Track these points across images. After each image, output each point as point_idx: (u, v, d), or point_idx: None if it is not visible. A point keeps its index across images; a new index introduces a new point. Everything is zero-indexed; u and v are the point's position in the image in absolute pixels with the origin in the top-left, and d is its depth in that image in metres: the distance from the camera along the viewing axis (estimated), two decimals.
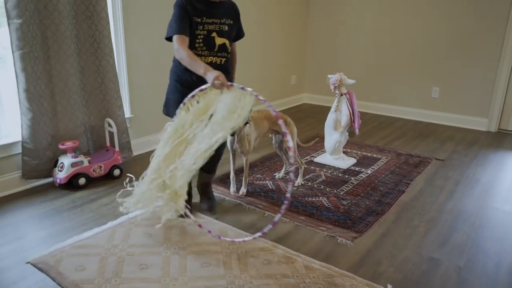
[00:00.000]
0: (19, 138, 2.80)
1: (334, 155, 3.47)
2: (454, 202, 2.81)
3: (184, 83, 2.36)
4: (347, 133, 3.46)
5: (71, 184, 2.88)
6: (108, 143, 3.20)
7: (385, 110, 5.27)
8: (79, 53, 2.96)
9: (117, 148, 3.12)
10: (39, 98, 2.75)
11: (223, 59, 2.35)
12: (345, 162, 3.44)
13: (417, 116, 5.05)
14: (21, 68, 2.62)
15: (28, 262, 2.05)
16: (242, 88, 1.97)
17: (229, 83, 1.99)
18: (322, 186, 3.00)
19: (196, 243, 2.23)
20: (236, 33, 2.43)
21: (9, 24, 2.54)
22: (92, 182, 3.01)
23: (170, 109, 2.41)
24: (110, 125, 3.15)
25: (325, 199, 2.80)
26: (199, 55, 2.26)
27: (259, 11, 4.71)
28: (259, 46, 4.83)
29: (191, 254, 2.13)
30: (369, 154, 3.73)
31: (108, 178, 3.09)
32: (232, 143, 2.70)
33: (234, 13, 2.38)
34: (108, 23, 3.00)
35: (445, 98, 4.82)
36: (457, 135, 4.43)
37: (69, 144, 2.86)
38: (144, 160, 3.51)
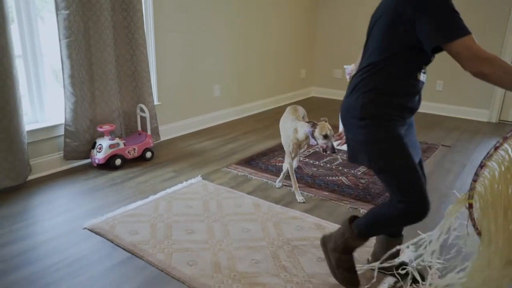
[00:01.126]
0: (61, 121, 3.01)
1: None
2: (461, 182, 3.06)
3: (404, 120, 1.61)
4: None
5: (108, 165, 3.10)
6: (139, 128, 3.42)
7: None
8: (115, 43, 3.18)
9: (149, 132, 3.35)
10: (81, 84, 2.97)
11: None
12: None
13: (423, 108, 5.29)
14: (67, 55, 2.84)
15: (85, 228, 2.28)
16: None
17: None
18: (340, 168, 3.24)
19: (234, 213, 2.47)
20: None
21: (57, 15, 2.76)
22: (127, 163, 3.24)
23: (409, 160, 1.55)
24: (142, 111, 3.38)
25: (344, 178, 3.04)
26: (423, 72, 1.58)
27: (271, 6, 4.94)
28: (271, 41, 5.06)
29: (231, 222, 2.36)
30: None
31: (141, 159, 3.31)
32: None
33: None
34: (142, 15, 3.22)
35: (449, 91, 5.08)
36: (461, 125, 4.69)
37: (106, 127, 3.08)
38: (170, 144, 3.74)
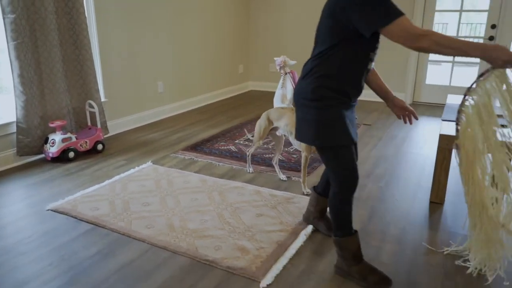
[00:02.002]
0: (13, 119, 3.19)
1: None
2: (377, 150, 3.63)
3: (348, 103, 1.79)
4: (292, 106, 4.19)
5: (61, 158, 3.31)
6: (89, 123, 3.65)
7: None
8: (61, 43, 3.40)
9: (99, 126, 3.59)
10: (30, 83, 3.16)
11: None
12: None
13: None
14: (15, 56, 3.03)
15: (48, 210, 2.52)
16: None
17: None
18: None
19: (183, 187, 2.82)
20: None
21: (4, 19, 2.94)
22: (80, 155, 3.46)
23: (346, 137, 1.76)
24: (91, 106, 3.61)
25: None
26: (371, 60, 1.75)
27: (208, 5, 5.31)
28: (210, 39, 5.43)
29: (181, 195, 2.71)
30: None
31: (93, 152, 3.55)
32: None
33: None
34: (85, 17, 3.46)
35: None
36: (380, 107, 5.34)
37: (58, 122, 3.29)
38: (119, 138, 4.00)
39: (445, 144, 2.49)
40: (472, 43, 1.48)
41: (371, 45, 1.70)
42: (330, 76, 1.70)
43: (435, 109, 5.25)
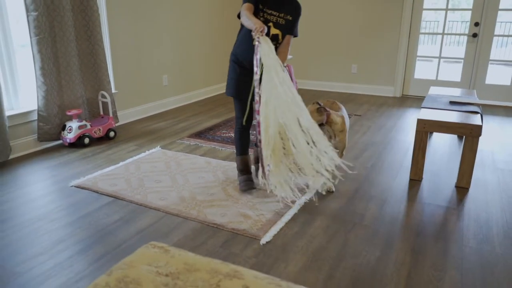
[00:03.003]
0: (35, 107, 3.50)
1: None
2: (366, 137, 3.97)
3: (241, 64, 2.64)
4: None
5: (77, 144, 3.63)
6: (101, 112, 3.97)
7: (315, 85, 6.44)
8: (77, 39, 3.71)
9: (111, 115, 3.91)
10: (50, 75, 3.48)
11: (273, 47, 2.47)
12: None
13: (341, 88, 6.27)
14: (37, 50, 3.34)
15: (72, 186, 2.85)
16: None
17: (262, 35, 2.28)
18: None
19: (190, 168, 3.15)
20: (291, 29, 2.63)
21: (27, 16, 3.25)
22: (94, 142, 3.78)
23: (229, 90, 2.72)
24: (103, 97, 3.93)
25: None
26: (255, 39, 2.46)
27: (208, 1, 5.62)
28: (210, 35, 5.75)
29: (189, 174, 3.04)
30: None
31: (105, 139, 3.87)
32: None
33: (294, 12, 2.62)
34: (99, 15, 3.77)
35: (362, 72, 6.08)
36: (371, 100, 5.68)
37: (74, 111, 3.61)
38: (129, 126, 4.32)
39: (422, 127, 2.83)
40: (248, 21, 2.36)
41: (246, 30, 2.59)
42: (234, 45, 2.72)
43: (422, 101, 5.59)
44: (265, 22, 2.55)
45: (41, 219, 2.40)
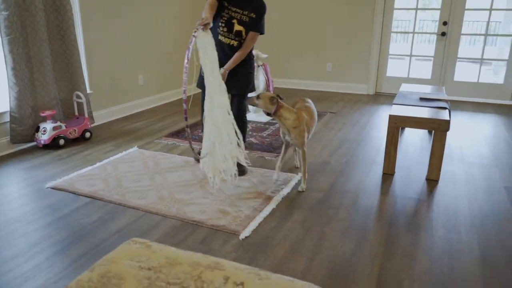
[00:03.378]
0: (7, 109, 3.43)
1: (256, 113, 4.57)
2: (341, 134, 4.07)
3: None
4: None
5: (52, 146, 3.58)
6: (76, 113, 3.92)
7: (291, 84, 6.53)
8: (49, 39, 3.66)
9: (86, 116, 3.87)
10: (23, 75, 3.42)
11: (237, 42, 2.84)
12: (265, 117, 4.56)
13: (316, 86, 6.38)
14: (9, 50, 3.28)
15: (48, 187, 2.82)
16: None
17: (202, 27, 2.43)
18: (250, 132, 4.07)
19: (168, 167, 3.16)
20: (257, 26, 2.82)
21: None
22: (69, 143, 3.74)
23: (197, 82, 3.18)
24: (78, 97, 3.89)
25: (253, 139, 3.87)
26: (220, 34, 2.81)
27: (184, 1, 5.62)
28: (186, 35, 5.74)
29: (167, 173, 3.05)
30: None
31: (81, 139, 3.83)
32: (284, 134, 2.79)
33: (258, 11, 2.78)
34: (72, 14, 3.72)
35: (336, 71, 6.20)
36: (346, 97, 5.81)
37: (48, 112, 3.56)
38: (105, 127, 4.28)
39: (394, 123, 2.94)
40: (203, 14, 2.53)
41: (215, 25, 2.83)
42: None
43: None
44: (230, 18, 2.75)
45: (18, 221, 2.37)
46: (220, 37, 2.83)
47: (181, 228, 2.30)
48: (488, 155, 3.48)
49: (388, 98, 5.80)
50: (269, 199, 2.63)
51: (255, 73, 4.43)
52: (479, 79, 5.57)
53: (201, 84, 2.98)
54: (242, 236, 2.20)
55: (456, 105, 5.30)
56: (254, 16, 2.77)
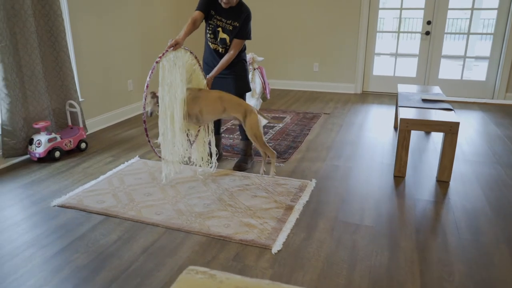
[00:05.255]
0: None
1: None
2: (340, 136, 4.08)
3: (210, 64, 3.15)
4: (261, 99, 4.53)
5: (47, 158, 3.39)
6: (69, 123, 3.74)
7: (280, 85, 6.51)
8: (40, 46, 3.45)
9: (81, 125, 3.69)
10: (14, 85, 3.21)
11: (223, 49, 3.05)
12: (262, 120, 4.51)
13: (304, 87, 6.39)
14: (0, 60, 3.06)
15: (55, 205, 2.66)
16: (185, 49, 2.79)
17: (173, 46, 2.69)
18: None
19: (177, 178, 3.06)
20: (240, 33, 2.97)
21: None
22: (65, 155, 3.55)
23: None
24: (72, 106, 3.70)
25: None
26: (208, 40, 3.07)
27: (172, 5, 5.47)
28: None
29: (178, 184, 2.96)
30: (277, 115, 4.87)
31: (77, 151, 3.65)
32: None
33: (242, 20, 2.94)
34: (62, 19, 3.53)
35: (323, 71, 6.23)
36: (335, 97, 5.85)
37: (42, 123, 3.37)
38: (99, 136, 4.10)
39: (405, 127, 2.97)
40: (183, 29, 2.79)
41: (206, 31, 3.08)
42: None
43: (382, 97, 5.85)
44: (215, 27, 2.97)
45: (31, 246, 2.22)
46: (209, 43, 3.08)
47: (208, 244, 2.22)
48: (487, 153, 3.59)
49: (376, 97, 5.88)
50: (290, 208, 2.60)
51: (250, 76, 4.38)
52: (462, 77, 5.75)
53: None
54: (274, 250, 2.15)
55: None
56: (237, 24, 2.96)
